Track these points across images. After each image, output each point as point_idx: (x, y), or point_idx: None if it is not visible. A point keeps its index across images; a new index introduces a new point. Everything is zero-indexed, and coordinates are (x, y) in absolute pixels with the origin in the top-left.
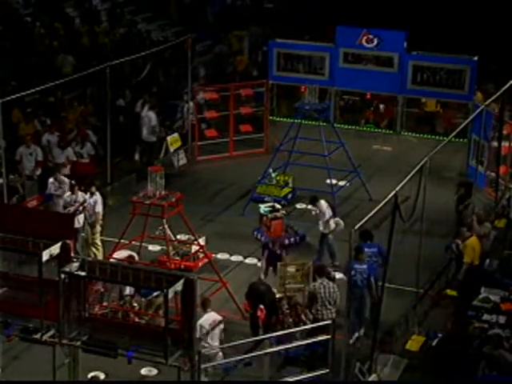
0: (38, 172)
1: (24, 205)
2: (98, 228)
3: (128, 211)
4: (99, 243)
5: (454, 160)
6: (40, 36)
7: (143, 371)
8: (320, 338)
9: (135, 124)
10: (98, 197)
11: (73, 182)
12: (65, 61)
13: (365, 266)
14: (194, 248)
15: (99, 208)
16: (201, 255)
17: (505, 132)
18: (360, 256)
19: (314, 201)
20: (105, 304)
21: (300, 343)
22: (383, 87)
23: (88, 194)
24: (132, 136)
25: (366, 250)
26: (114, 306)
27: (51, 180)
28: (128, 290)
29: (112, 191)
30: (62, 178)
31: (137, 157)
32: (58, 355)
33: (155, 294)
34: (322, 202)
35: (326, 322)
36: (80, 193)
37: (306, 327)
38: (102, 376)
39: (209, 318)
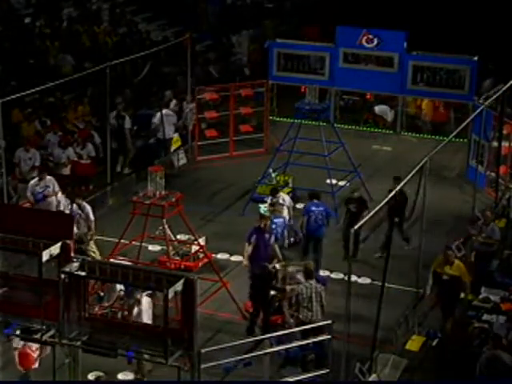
0: (34, 174)
1: None
2: (93, 236)
3: (128, 211)
4: (93, 247)
5: (454, 160)
6: (40, 35)
7: (120, 376)
8: (320, 338)
9: (117, 135)
10: (87, 207)
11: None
12: (64, 60)
13: (321, 208)
14: (194, 248)
15: (92, 217)
16: (201, 255)
17: (505, 132)
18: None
19: (274, 192)
20: (105, 304)
21: (300, 343)
22: (383, 87)
23: (75, 206)
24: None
25: (313, 208)
26: (114, 306)
27: (34, 182)
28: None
29: (112, 191)
30: (49, 177)
31: (119, 168)
32: (57, 355)
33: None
34: (282, 194)
35: (326, 322)
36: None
37: (306, 327)
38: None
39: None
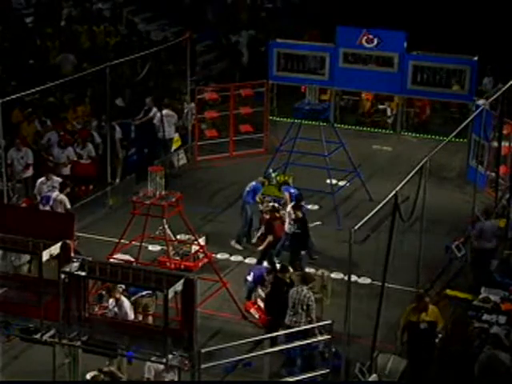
0: (27, 174)
1: None
2: None
3: (128, 211)
4: None
5: (454, 160)
6: (40, 35)
7: (88, 376)
8: (320, 338)
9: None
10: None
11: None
12: (66, 60)
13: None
14: (194, 248)
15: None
16: (201, 255)
17: (505, 132)
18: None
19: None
20: (105, 304)
21: (300, 343)
22: (383, 87)
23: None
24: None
25: (292, 191)
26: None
27: (42, 180)
28: None
29: (112, 191)
30: (56, 178)
31: (117, 180)
32: (57, 355)
33: (141, 294)
34: (286, 193)
35: (326, 322)
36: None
37: (307, 327)
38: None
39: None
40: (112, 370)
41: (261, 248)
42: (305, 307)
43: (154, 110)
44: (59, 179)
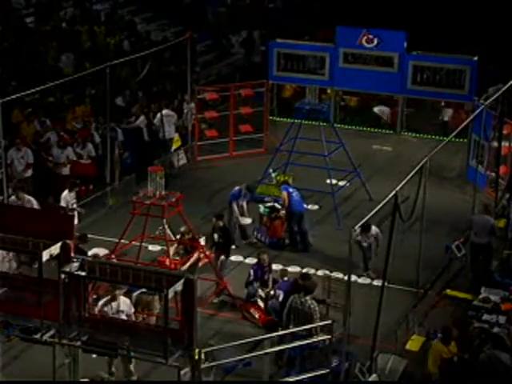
0: (28, 174)
1: None
2: None
3: (128, 211)
4: None
5: (454, 160)
6: (40, 35)
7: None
8: (320, 338)
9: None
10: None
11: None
12: (68, 59)
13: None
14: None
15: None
16: (201, 255)
17: (505, 132)
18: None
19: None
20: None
21: (300, 343)
22: (383, 87)
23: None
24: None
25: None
26: None
27: (12, 199)
28: None
29: (112, 191)
30: (28, 197)
31: (116, 182)
32: (57, 355)
33: (139, 291)
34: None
35: (326, 322)
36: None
37: (306, 327)
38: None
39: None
40: None
41: (186, 267)
42: (309, 318)
43: (142, 117)
44: (32, 199)
